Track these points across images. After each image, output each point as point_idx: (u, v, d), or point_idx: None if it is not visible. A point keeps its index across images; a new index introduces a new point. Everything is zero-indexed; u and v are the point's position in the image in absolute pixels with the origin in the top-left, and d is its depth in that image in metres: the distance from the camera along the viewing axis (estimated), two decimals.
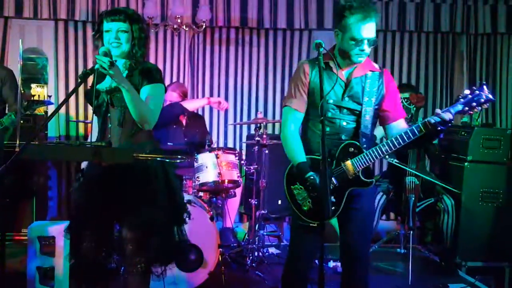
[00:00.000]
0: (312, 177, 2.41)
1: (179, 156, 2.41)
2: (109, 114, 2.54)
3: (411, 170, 4.09)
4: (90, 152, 2.18)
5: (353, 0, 2.41)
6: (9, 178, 2.20)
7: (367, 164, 2.47)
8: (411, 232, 3.98)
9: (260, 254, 4.30)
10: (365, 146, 2.49)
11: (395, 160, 3.93)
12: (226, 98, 5.80)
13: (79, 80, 2.34)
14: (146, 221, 2.46)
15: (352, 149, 2.49)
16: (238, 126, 5.84)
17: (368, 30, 2.39)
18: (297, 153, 2.52)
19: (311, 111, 2.57)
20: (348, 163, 2.48)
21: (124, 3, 5.45)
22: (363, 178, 2.49)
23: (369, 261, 2.68)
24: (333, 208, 2.48)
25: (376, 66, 2.59)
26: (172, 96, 4.47)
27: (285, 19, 5.65)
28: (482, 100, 2.30)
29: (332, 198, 2.45)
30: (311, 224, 2.51)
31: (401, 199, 4.17)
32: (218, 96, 5.76)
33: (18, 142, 3.71)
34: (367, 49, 2.43)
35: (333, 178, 2.48)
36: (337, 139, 2.52)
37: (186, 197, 3.73)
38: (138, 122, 2.46)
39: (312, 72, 2.53)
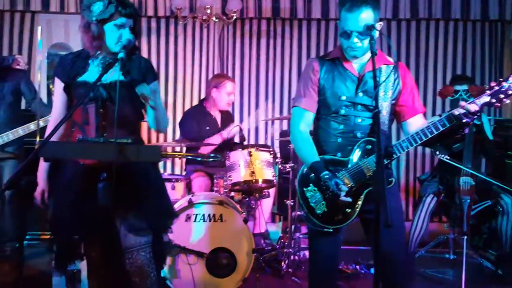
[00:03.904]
0: (327, 176, 2.30)
1: (212, 155, 2.13)
2: (101, 110, 2.29)
3: (467, 169, 3.75)
4: (114, 150, 1.94)
5: None
6: (27, 178, 2.05)
7: (386, 162, 2.31)
8: (465, 238, 3.64)
9: (296, 258, 4.03)
10: (382, 143, 2.28)
11: (446, 157, 3.59)
12: (257, 93, 5.60)
13: (100, 72, 2.13)
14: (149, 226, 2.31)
15: (370, 146, 2.36)
16: (269, 122, 5.61)
17: (355, 21, 2.26)
18: (310, 153, 2.42)
19: (322, 110, 2.47)
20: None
21: None
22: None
23: (408, 266, 2.60)
24: (348, 210, 2.37)
25: (390, 59, 2.47)
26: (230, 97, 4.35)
27: (320, 9, 5.39)
28: (511, 91, 2.18)
29: (348, 199, 2.32)
30: (325, 229, 2.40)
31: (453, 201, 3.84)
32: (249, 91, 5.59)
33: (38, 139, 3.56)
34: (358, 42, 2.30)
35: (349, 178, 2.36)
36: (352, 136, 2.40)
37: (218, 197, 3.54)
38: (157, 131, 2.42)
39: (322, 69, 2.44)
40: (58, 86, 2.37)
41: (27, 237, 4.50)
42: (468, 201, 3.72)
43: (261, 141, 5.58)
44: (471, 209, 3.74)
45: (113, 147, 1.94)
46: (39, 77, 3.71)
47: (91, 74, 2.30)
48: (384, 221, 1.93)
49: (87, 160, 2.18)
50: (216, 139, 4.13)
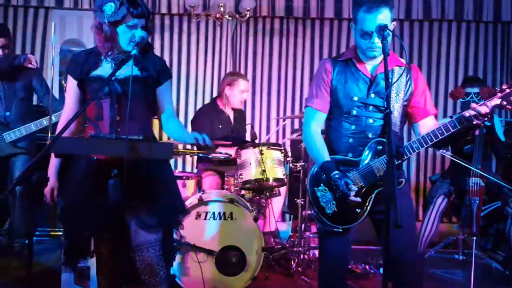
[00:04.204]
0: (337, 175, 2.31)
1: (223, 153, 2.14)
2: (116, 105, 2.30)
3: (477, 170, 3.74)
4: (126, 146, 1.96)
5: None
6: (38, 174, 2.07)
7: (397, 163, 2.29)
8: (474, 239, 3.63)
9: (306, 257, 4.04)
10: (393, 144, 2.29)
11: (449, 153, 3.59)
12: (269, 92, 5.61)
13: (113, 67, 2.15)
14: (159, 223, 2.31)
15: (381, 147, 2.37)
16: (281, 121, 5.61)
17: (374, 21, 2.27)
18: (321, 153, 2.43)
19: (334, 110, 2.48)
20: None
21: None
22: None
23: (418, 267, 2.51)
24: (358, 210, 2.38)
25: (403, 60, 2.47)
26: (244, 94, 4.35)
27: (333, 8, 5.40)
28: None
29: (358, 199, 2.33)
30: (335, 229, 2.42)
31: (464, 202, 3.83)
32: (261, 90, 5.58)
33: (49, 134, 3.59)
34: (378, 42, 2.30)
35: (359, 178, 2.37)
36: (364, 137, 2.41)
37: (228, 195, 3.55)
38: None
39: (335, 70, 2.46)
40: (71, 82, 2.38)
41: (36, 233, 4.52)
42: (477, 202, 3.70)
43: (273, 139, 5.59)
44: (480, 210, 3.73)
45: (125, 144, 1.95)
46: (51, 73, 3.73)
47: (104, 69, 2.31)
48: (394, 221, 1.93)
49: (100, 156, 2.20)
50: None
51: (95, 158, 2.24)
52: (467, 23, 5.49)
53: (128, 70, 2.23)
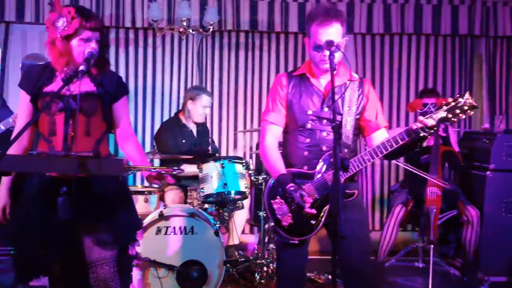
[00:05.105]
0: (293, 188, 2.35)
1: (175, 168, 2.17)
2: (70, 122, 2.27)
3: (432, 179, 3.84)
4: (76, 163, 1.96)
5: (318, 7, 2.51)
6: None
7: (349, 175, 2.41)
8: (432, 246, 3.73)
9: (270, 270, 4.06)
10: (347, 156, 2.41)
11: (401, 162, 3.70)
12: (236, 105, 5.62)
13: (62, 84, 2.15)
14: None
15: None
16: (248, 134, 5.64)
17: (326, 35, 2.36)
18: (277, 166, 2.48)
19: (290, 124, 2.55)
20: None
21: (129, 5, 5.27)
22: (345, 190, 2.39)
23: (372, 277, 2.63)
24: (313, 222, 2.43)
25: (355, 75, 2.55)
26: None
27: (297, 22, 5.45)
28: (466, 107, 2.26)
29: (313, 211, 2.38)
30: (291, 241, 2.46)
31: (422, 210, 3.93)
32: (228, 103, 5.60)
33: None
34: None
35: (314, 191, 2.43)
36: (318, 150, 2.48)
37: (190, 210, 3.56)
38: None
39: (290, 84, 2.52)
40: (24, 98, 2.35)
41: None
42: (435, 210, 3.81)
43: (240, 152, 5.61)
44: (437, 218, 3.83)
45: (74, 161, 1.95)
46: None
47: (58, 85, 2.26)
48: (339, 233, 1.98)
49: (52, 173, 2.19)
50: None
51: (47, 175, 2.24)
52: (426, 36, 5.63)
53: (84, 86, 2.23)
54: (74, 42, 2.26)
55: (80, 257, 2.30)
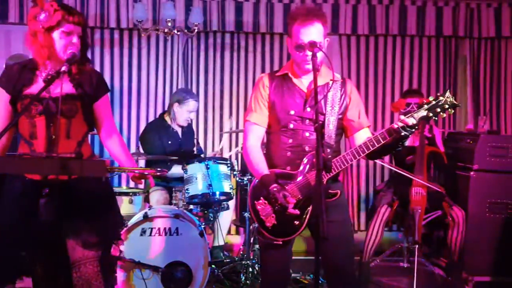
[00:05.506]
0: (276, 189, 2.35)
1: (158, 169, 2.15)
2: (51, 124, 2.25)
3: (417, 180, 3.87)
4: (58, 165, 1.94)
5: (299, 8, 2.47)
6: None
7: (332, 175, 2.42)
8: (417, 246, 3.75)
9: (256, 270, 4.05)
10: (329, 156, 2.42)
11: (385, 162, 3.72)
12: (221, 105, 5.61)
13: (43, 85, 2.12)
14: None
15: None
16: (234, 134, 5.64)
17: (308, 34, 2.36)
18: (260, 167, 2.47)
19: (272, 124, 2.55)
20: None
21: (113, 6, 5.24)
22: (327, 190, 2.40)
23: (353, 277, 2.63)
24: (296, 222, 2.42)
25: (338, 75, 2.55)
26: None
27: (282, 23, 5.45)
28: (447, 106, 2.29)
29: (296, 211, 2.37)
30: (274, 242, 2.45)
31: (407, 210, 3.95)
32: (213, 104, 5.57)
33: None
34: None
35: (297, 191, 2.42)
36: (301, 150, 2.47)
37: (174, 211, 3.55)
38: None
39: (272, 84, 2.52)
40: (3, 96, 2.31)
41: None
42: (419, 210, 3.83)
43: (225, 152, 5.60)
44: (422, 218, 3.85)
45: (56, 162, 1.93)
46: None
47: (39, 86, 2.23)
48: (321, 233, 1.99)
49: (33, 175, 2.17)
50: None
51: (27, 178, 2.21)
52: (410, 37, 5.67)
53: (63, 88, 2.20)
54: (56, 35, 2.23)
55: (63, 258, 2.28)
